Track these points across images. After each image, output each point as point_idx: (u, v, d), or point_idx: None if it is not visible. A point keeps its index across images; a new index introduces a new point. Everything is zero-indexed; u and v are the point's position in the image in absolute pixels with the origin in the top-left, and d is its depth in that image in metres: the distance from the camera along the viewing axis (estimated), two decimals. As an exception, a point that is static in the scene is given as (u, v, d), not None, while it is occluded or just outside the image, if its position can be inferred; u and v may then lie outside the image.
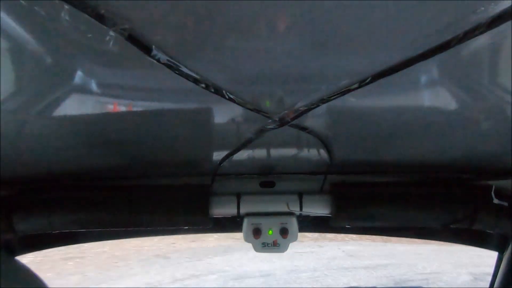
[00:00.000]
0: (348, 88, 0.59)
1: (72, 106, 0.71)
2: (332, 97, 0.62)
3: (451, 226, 1.11)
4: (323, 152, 0.94)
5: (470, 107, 0.74)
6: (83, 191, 1.15)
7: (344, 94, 0.61)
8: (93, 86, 0.65)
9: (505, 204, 1.06)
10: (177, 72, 0.54)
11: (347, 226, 1.16)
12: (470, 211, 1.07)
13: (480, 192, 1.08)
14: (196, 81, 0.58)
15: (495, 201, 1.06)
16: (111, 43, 0.49)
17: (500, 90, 0.67)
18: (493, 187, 1.08)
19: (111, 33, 0.47)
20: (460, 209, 1.08)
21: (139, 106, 0.75)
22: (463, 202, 1.08)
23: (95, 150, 0.94)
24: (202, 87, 0.60)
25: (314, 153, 0.99)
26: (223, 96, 0.62)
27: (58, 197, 1.13)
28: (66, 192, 1.14)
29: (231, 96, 0.63)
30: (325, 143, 0.88)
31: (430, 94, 0.71)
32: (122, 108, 0.75)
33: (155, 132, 0.85)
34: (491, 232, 1.37)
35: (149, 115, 0.78)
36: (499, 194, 1.07)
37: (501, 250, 1.45)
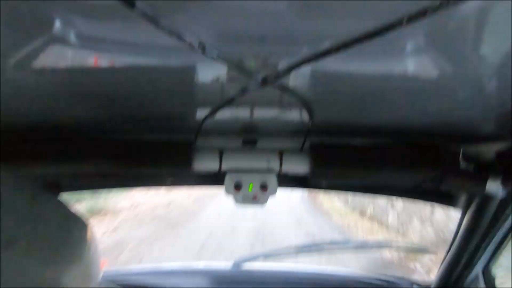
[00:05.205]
0: (329, 50, 0.60)
1: (51, 58, 0.69)
2: (313, 59, 0.63)
3: (421, 186, 1.17)
4: (304, 113, 0.97)
5: (447, 76, 0.75)
6: (68, 143, 1.15)
7: (324, 57, 0.62)
8: (73, 38, 0.64)
9: (471, 167, 1.13)
10: (160, 27, 0.54)
11: (323, 185, 1.21)
12: (439, 173, 1.13)
13: (449, 156, 1.14)
14: (179, 37, 0.57)
15: (462, 164, 1.13)
16: None
17: (480, 61, 0.68)
18: (461, 151, 1.14)
19: None
20: (430, 171, 1.14)
21: (121, 61, 0.74)
22: (433, 165, 1.14)
23: (77, 104, 0.93)
24: (186, 44, 0.59)
25: (295, 114, 1.02)
26: (206, 54, 0.62)
27: (43, 148, 1.13)
28: (50, 144, 1.14)
29: (215, 54, 0.63)
30: (306, 105, 0.90)
31: (410, 61, 0.72)
32: (103, 63, 0.74)
33: (137, 88, 0.84)
34: (457, 192, 1.47)
35: (131, 71, 0.77)
36: (466, 158, 1.13)
37: (465, 208, 1.57)
